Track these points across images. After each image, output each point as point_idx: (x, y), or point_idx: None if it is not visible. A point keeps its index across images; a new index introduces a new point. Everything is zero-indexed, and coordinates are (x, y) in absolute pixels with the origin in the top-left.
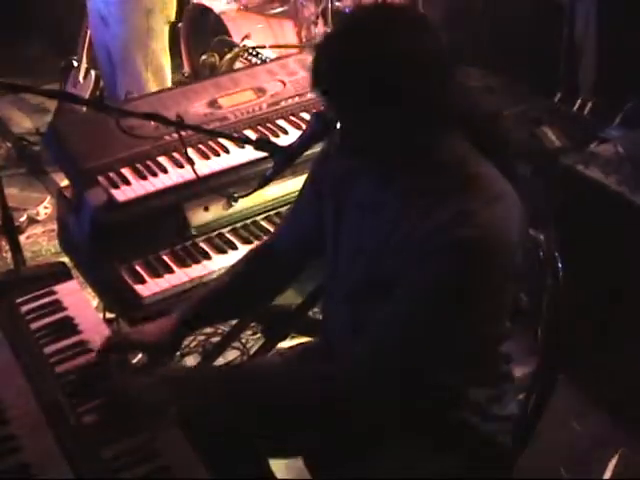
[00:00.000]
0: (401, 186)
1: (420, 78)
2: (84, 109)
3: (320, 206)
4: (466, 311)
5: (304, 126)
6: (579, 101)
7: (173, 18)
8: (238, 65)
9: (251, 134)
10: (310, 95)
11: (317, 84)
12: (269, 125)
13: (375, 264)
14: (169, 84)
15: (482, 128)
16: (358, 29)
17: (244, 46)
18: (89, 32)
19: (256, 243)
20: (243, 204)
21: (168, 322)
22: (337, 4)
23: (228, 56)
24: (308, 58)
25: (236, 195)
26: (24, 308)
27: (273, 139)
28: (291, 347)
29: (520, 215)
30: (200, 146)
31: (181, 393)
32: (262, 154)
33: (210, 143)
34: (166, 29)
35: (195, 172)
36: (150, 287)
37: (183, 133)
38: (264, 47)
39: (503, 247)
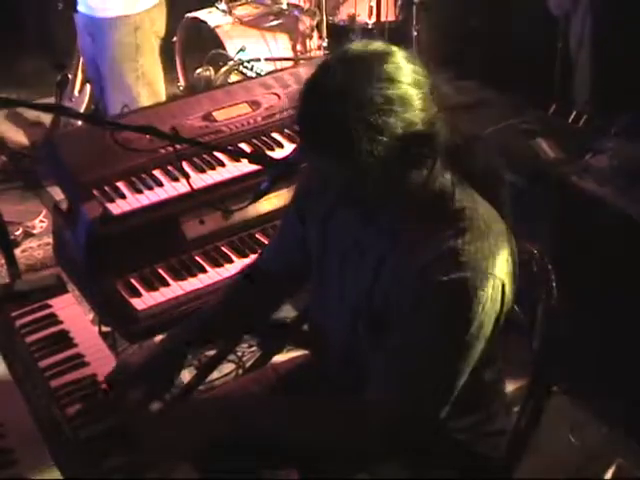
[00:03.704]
0: (385, 223)
1: (404, 118)
2: (79, 123)
3: (303, 231)
4: (457, 347)
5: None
6: (574, 113)
7: (163, 34)
8: (233, 78)
9: (246, 147)
10: None
11: (305, 139)
12: (264, 138)
13: (364, 302)
14: (163, 98)
15: (460, 154)
16: (331, 86)
17: (239, 59)
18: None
19: (252, 256)
20: (239, 217)
21: (157, 349)
22: (332, 18)
23: (223, 69)
24: (303, 71)
25: (231, 208)
26: (19, 322)
27: (268, 152)
28: (284, 362)
29: (509, 246)
30: (195, 159)
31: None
32: (257, 167)
33: (205, 156)
34: (157, 44)
35: (190, 185)
36: (146, 300)
37: (178, 146)
38: (259, 60)
39: (491, 283)
